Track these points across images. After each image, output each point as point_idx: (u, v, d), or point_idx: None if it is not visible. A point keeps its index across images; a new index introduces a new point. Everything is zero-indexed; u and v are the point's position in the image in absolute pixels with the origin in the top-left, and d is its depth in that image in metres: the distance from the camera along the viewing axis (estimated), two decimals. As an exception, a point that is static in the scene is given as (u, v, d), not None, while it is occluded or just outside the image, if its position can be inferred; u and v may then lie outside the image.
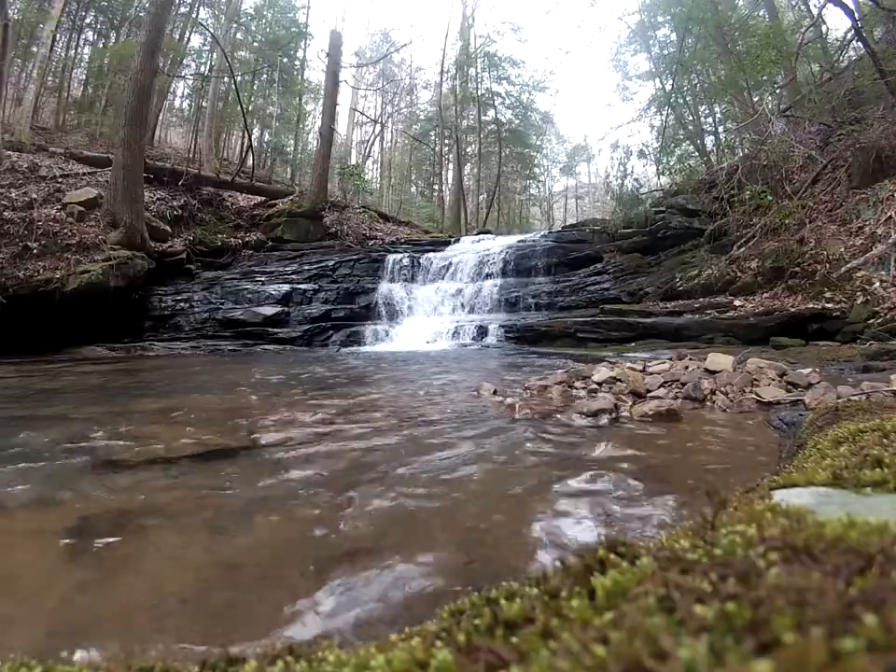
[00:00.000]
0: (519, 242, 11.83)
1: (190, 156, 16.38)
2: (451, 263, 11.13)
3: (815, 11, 12.19)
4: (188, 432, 2.38)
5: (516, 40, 28.31)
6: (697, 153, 15.22)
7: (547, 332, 8.25)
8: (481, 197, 30.94)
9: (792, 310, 6.78)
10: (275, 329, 9.36)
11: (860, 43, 9.86)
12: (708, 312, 7.60)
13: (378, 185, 29.42)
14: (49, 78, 18.35)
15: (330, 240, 13.04)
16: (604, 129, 49.69)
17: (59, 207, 9.54)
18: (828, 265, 7.23)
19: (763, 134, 9.58)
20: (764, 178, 9.10)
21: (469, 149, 27.48)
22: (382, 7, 64.05)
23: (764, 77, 12.65)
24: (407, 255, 11.60)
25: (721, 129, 16.70)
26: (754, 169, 9.29)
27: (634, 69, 21.40)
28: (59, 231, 8.95)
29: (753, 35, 13.03)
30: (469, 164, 28.19)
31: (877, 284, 6.47)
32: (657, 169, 14.12)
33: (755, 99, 13.84)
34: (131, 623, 0.91)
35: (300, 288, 10.38)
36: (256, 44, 22.91)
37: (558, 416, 2.61)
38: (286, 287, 10.31)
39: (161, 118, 20.80)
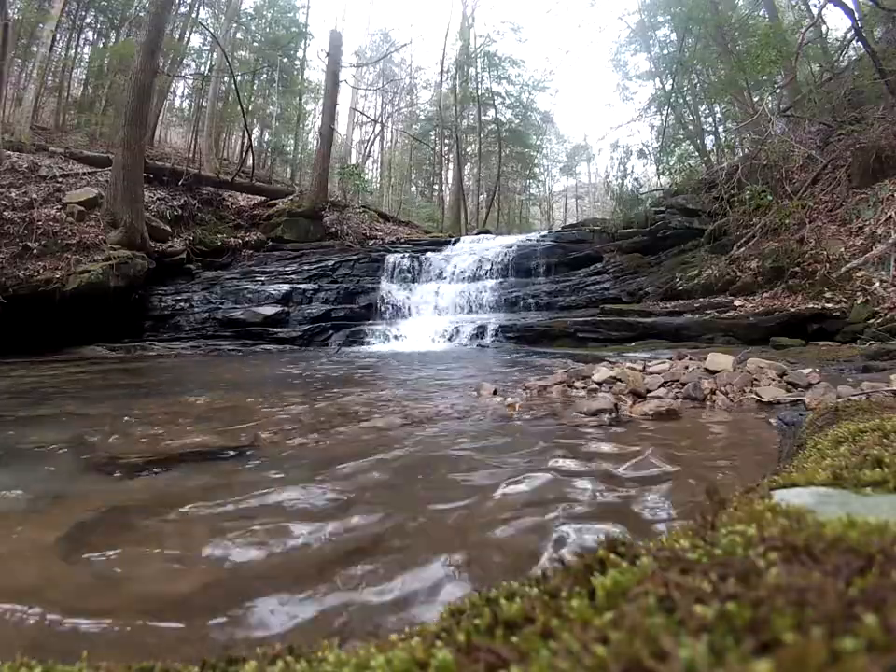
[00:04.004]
0: (519, 242, 11.83)
1: (190, 156, 16.37)
2: (451, 263, 11.13)
3: (815, 11, 12.19)
4: (187, 432, 2.38)
5: (516, 40, 28.19)
6: (697, 153, 15.21)
7: (547, 332, 8.25)
8: (481, 197, 30.93)
9: (792, 310, 6.78)
10: (275, 329, 9.37)
11: (860, 43, 9.86)
12: (708, 312, 7.60)
13: (378, 185, 29.41)
14: (49, 78, 18.34)
15: (330, 240, 13.04)
16: (604, 129, 49.61)
17: (59, 207, 9.54)
18: (828, 265, 7.23)
19: (763, 134, 9.58)
20: (764, 178, 9.10)
21: (469, 149, 27.47)
22: (382, 6, 64.00)
23: (764, 77, 12.64)
24: (407, 255, 11.60)
25: (721, 129, 16.71)
26: (754, 169, 9.29)
27: (634, 69, 21.45)
28: (59, 231, 8.95)
29: (753, 35, 13.03)
30: (469, 164, 28.19)
31: (877, 284, 6.47)
32: (657, 169, 14.13)
33: (755, 99, 13.83)
34: (131, 623, 0.91)
35: (300, 288, 10.38)
36: (256, 44, 22.90)
37: (558, 416, 2.61)
38: (286, 287, 10.31)
39: (161, 118, 20.80)
